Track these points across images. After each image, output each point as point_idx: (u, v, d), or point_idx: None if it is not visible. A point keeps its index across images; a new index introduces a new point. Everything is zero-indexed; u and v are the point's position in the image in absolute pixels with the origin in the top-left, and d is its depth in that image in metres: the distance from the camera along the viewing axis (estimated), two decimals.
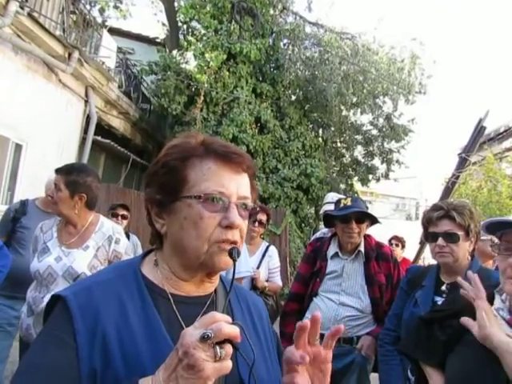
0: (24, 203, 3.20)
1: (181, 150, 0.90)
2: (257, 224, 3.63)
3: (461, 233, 1.96)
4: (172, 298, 0.88)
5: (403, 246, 5.76)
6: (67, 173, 2.36)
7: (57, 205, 2.36)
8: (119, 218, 4.36)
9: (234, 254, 0.85)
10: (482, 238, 3.28)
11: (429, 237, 2.07)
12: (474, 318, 1.33)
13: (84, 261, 2.29)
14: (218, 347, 0.68)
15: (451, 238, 1.96)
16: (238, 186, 0.89)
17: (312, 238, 3.56)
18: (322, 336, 0.86)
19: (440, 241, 1.97)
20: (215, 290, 0.96)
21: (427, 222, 2.06)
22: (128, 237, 4.32)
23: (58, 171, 2.39)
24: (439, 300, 2.03)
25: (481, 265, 2.12)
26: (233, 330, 0.69)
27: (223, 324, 0.68)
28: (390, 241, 5.63)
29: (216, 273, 0.93)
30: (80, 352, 0.77)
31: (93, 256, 2.32)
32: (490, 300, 1.38)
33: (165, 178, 0.89)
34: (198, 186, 0.87)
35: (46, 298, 2.20)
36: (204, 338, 0.66)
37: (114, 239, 2.40)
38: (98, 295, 0.84)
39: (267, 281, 3.60)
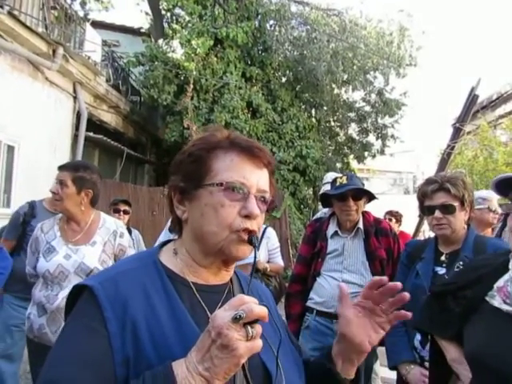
0: (32, 205, 3.18)
1: (207, 142, 0.95)
2: None
3: (456, 203, 1.99)
4: (193, 286, 0.92)
5: (398, 221, 5.77)
6: (74, 169, 2.39)
7: (62, 201, 2.36)
8: (121, 213, 4.43)
9: (253, 241, 0.89)
10: (478, 207, 3.31)
11: (425, 210, 2.10)
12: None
13: (94, 256, 2.34)
14: (249, 327, 0.71)
15: (447, 209, 1.99)
16: (258, 179, 0.93)
17: (312, 219, 3.57)
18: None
19: (437, 213, 2.01)
20: (231, 279, 1.00)
21: (422, 195, 2.09)
22: (130, 232, 4.36)
23: (63, 168, 2.41)
24: (440, 270, 2.07)
25: (476, 233, 2.16)
26: (263, 310, 0.72)
27: (254, 305, 0.72)
28: (384, 216, 5.62)
29: (232, 261, 0.96)
30: (112, 341, 0.79)
31: (101, 251, 2.37)
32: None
33: (190, 166, 0.93)
34: (220, 175, 0.91)
35: (61, 295, 2.24)
36: (236, 319, 0.70)
37: (118, 233, 2.47)
38: (123, 285, 0.86)
39: (268, 262, 3.62)
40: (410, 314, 0.93)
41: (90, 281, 0.87)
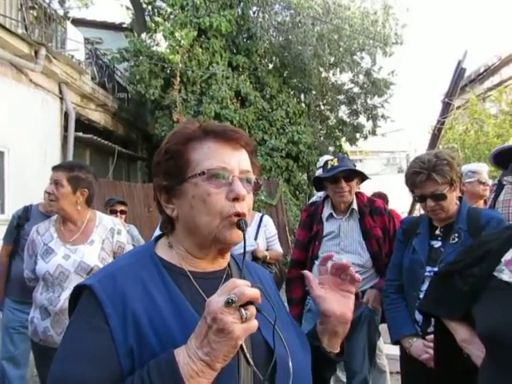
0: (27, 209, 3.19)
1: (180, 136, 0.95)
2: None
3: (446, 189, 1.99)
4: (191, 275, 0.93)
5: (386, 202, 5.80)
6: (69, 169, 2.40)
7: (58, 201, 2.36)
8: (118, 213, 4.50)
9: (241, 224, 0.89)
10: (469, 180, 3.33)
11: (417, 198, 2.13)
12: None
13: (93, 254, 2.35)
14: (242, 309, 0.73)
15: (438, 197, 2.00)
16: (238, 161, 0.93)
17: (307, 204, 3.58)
18: None
19: (429, 202, 2.02)
20: (229, 264, 1.02)
21: (411, 185, 2.09)
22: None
23: (57, 168, 2.41)
24: (435, 243, 2.10)
25: (469, 206, 2.17)
26: (254, 292, 0.74)
27: (245, 287, 0.74)
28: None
29: (228, 248, 0.97)
30: (114, 334, 0.82)
31: (100, 249, 2.38)
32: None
33: (169, 163, 0.94)
34: (200, 165, 0.91)
35: (63, 296, 2.24)
36: (229, 303, 0.72)
37: (116, 231, 2.48)
38: (121, 280, 0.88)
39: (267, 250, 3.64)
40: (359, 277, 1.00)
41: (89, 280, 0.89)
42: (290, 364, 0.88)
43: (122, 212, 4.57)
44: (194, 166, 0.91)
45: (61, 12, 9.46)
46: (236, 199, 0.90)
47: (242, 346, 0.78)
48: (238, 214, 0.90)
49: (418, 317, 2.05)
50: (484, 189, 3.32)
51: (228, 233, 0.90)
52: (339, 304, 0.99)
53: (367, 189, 2.89)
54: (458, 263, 1.51)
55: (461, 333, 1.42)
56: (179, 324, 0.85)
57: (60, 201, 2.35)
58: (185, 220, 0.94)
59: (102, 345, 0.81)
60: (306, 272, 1.04)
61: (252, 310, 0.74)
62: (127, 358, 0.81)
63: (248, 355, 0.83)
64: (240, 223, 0.89)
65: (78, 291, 0.90)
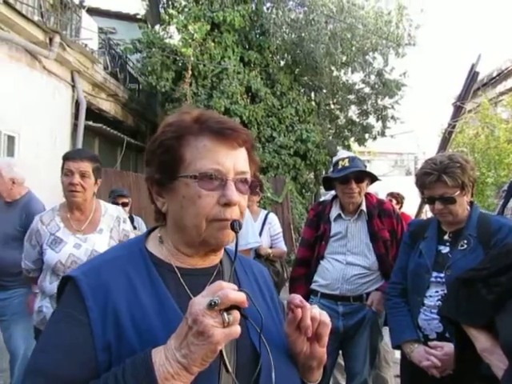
0: None
1: (176, 129, 0.91)
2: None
3: (456, 193, 1.94)
4: (178, 271, 0.91)
5: (398, 202, 5.80)
6: (94, 160, 2.40)
7: (84, 192, 2.34)
8: (120, 206, 4.45)
9: (235, 226, 0.86)
10: None
11: (426, 199, 2.08)
12: None
13: (104, 243, 2.37)
14: (225, 313, 0.71)
15: (447, 200, 1.96)
16: (234, 161, 0.89)
17: (315, 203, 3.58)
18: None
19: (437, 204, 1.98)
20: (221, 261, 0.99)
21: (421, 186, 2.05)
22: (132, 220, 4.42)
23: (82, 158, 2.34)
24: (443, 249, 2.06)
25: (480, 211, 2.11)
26: (239, 296, 0.72)
27: (229, 291, 0.71)
28: (386, 198, 5.65)
29: (219, 248, 0.95)
30: (93, 328, 0.81)
31: (109, 237, 2.41)
32: None
33: (162, 157, 0.90)
34: (193, 164, 0.87)
35: None
36: (211, 305, 0.70)
37: (121, 219, 2.51)
38: (106, 273, 0.87)
39: (271, 247, 3.65)
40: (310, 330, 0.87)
41: (74, 272, 0.89)
42: (273, 375, 0.86)
43: (123, 204, 4.58)
44: (187, 164, 0.88)
45: (76, 1, 9.47)
46: (227, 204, 0.87)
47: (221, 352, 0.75)
48: (228, 220, 0.87)
49: (421, 322, 2.03)
50: None
51: (217, 235, 0.88)
52: (306, 340, 0.90)
53: (373, 190, 2.86)
54: (482, 270, 1.46)
55: (482, 341, 1.38)
56: (162, 321, 0.84)
57: (87, 192, 2.35)
58: (174, 217, 0.92)
59: (80, 337, 0.80)
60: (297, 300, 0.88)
61: (235, 314, 0.72)
62: (104, 352, 0.80)
63: (227, 362, 0.79)
64: (234, 224, 0.86)
65: (66, 281, 0.89)
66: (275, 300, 1.07)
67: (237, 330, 0.72)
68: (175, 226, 0.92)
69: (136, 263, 0.90)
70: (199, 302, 0.71)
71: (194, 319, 0.70)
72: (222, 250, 0.99)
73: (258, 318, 0.83)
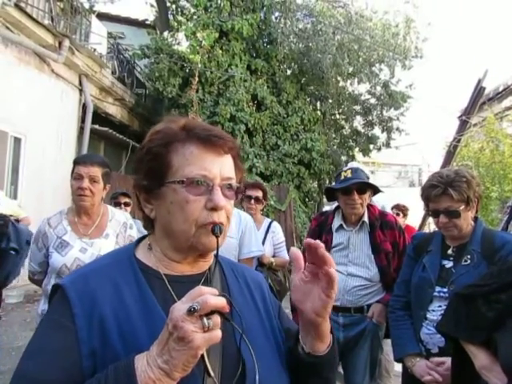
0: None
1: (163, 136, 0.92)
2: (253, 201, 3.64)
3: (461, 207, 1.94)
4: (166, 278, 0.92)
5: (404, 215, 5.78)
6: (103, 165, 2.38)
7: (93, 197, 2.34)
8: (122, 205, 4.43)
9: (216, 230, 0.88)
10: None
11: (430, 213, 2.07)
12: None
13: (109, 248, 2.34)
14: (205, 318, 0.71)
15: (452, 214, 1.96)
16: (221, 167, 0.91)
17: (317, 213, 3.58)
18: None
19: (442, 218, 1.98)
20: (210, 268, 0.99)
21: (426, 199, 2.05)
22: None
23: (92, 163, 2.34)
24: (447, 263, 2.05)
25: (484, 227, 2.10)
26: (219, 301, 0.72)
27: (209, 296, 0.72)
28: (391, 209, 5.64)
29: (208, 253, 0.96)
30: (79, 334, 0.82)
31: (115, 243, 2.41)
32: None
33: (149, 164, 0.92)
34: (181, 170, 0.89)
35: None
36: (191, 311, 0.70)
37: (128, 225, 2.51)
38: (93, 280, 0.89)
39: (274, 256, 3.63)
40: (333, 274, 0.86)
41: (63, 280, 0.91)
42: (257, 377, 0.87)
43: (125, 204, 4.50)
44: (174, 170, 0.90)
45: (86, 5, 9.59)
46: (214, 209, 0.89)
47: (203, 356, 0.76)
48: (214, 224, 0.89)
49: (424, 336, 2.02)
50: None
51: (206, 240, 0.89)
52: (307, 298, 0.90)
53: (381, 202, 2.85)
54: (482, 287, 1.45)
55: (481, 358, 1.36)
56: (148, 329, 0.84)
57: (95, 196, 2.35)
58: (162, 223, 0.93)
59: (66, 344, 0.82)
60: (293, 250, 0.93)
61: (216, 319, 0.72)
62: (89, 358, 0.81)
63: (209, 366, 0.80)
64: (215, 229, 0.88)
65: (55, 290, 0.91)
66: (268, 304, 1.06)
67: (217, 334, 0.73)
68: (163, 232, 0.94)
69: (124, 270, 0.92)
70: (179, 308, 0.72)
71: (174, 325, 0.71)
72: (212, 256, 1.00)
73: (244, 321, 0.83)
